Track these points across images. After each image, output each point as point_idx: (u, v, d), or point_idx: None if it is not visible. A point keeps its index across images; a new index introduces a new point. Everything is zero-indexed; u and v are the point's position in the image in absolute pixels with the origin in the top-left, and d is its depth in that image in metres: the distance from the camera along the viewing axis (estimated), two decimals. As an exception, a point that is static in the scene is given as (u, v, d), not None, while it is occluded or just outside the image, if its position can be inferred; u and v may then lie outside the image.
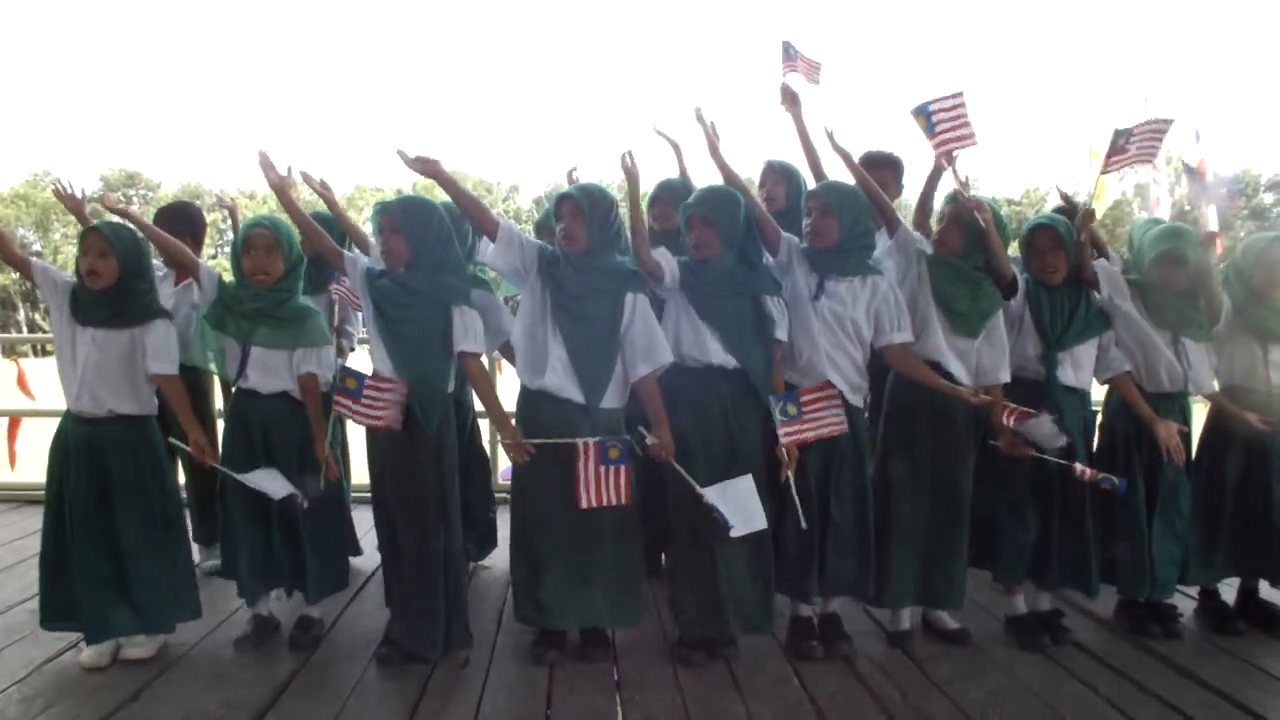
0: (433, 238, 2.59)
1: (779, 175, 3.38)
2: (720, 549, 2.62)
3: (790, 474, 2.59)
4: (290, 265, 2.73)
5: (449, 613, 2.63)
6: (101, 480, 2.61)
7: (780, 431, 2.56)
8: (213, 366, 2.88)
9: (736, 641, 2.74)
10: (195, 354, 3.02)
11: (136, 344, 2.63)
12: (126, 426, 2.64)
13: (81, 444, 2.62)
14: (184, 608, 2.76)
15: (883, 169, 3.36)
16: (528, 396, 2.70)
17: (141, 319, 2.63)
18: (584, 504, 2.53)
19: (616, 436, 2.57)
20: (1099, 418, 3.07)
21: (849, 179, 2.83)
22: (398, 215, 2.58)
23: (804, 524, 2.59)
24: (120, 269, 2.59)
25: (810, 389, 2.62)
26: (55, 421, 2.76)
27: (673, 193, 3.26)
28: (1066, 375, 2.82)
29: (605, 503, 2.54)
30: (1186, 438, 2.95)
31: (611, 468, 2.53)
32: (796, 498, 2.58)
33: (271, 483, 2.64)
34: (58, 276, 2.67)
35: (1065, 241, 2.80)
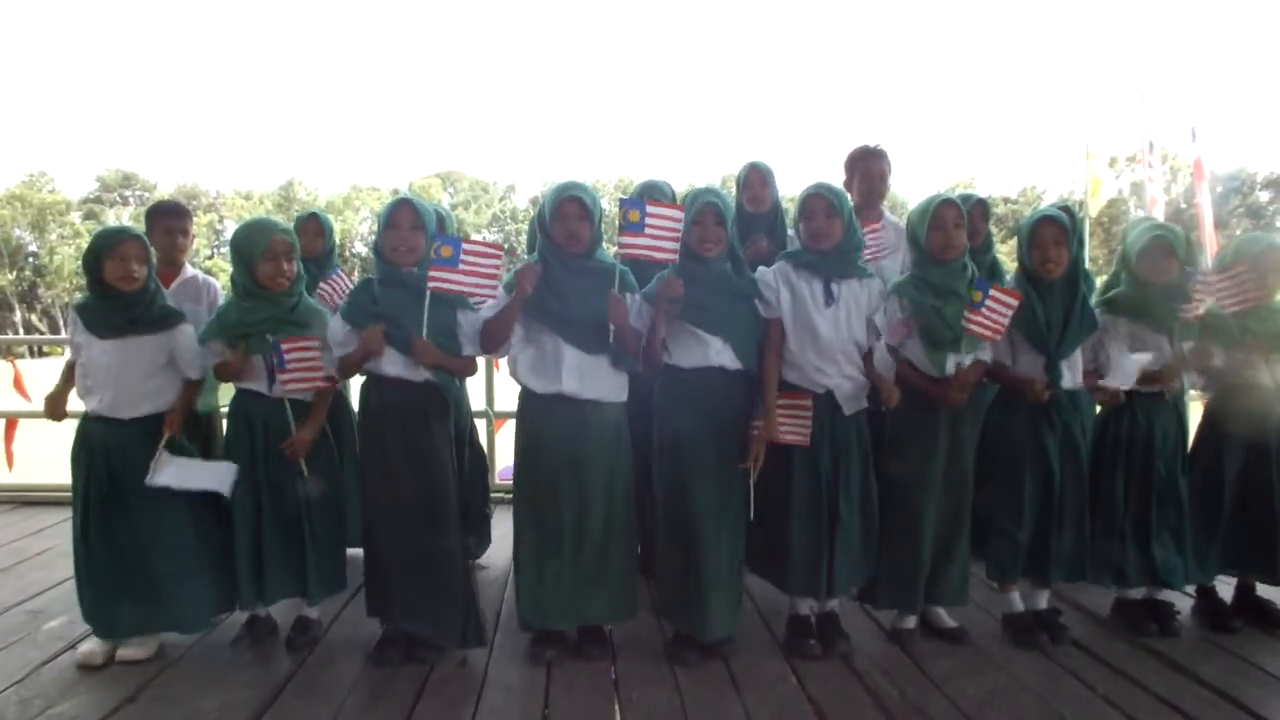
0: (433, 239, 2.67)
1: (764, 177, 3.42)
2: (700, 550, 2.62)
3: (752, 465, 2.59)
4: (298, 269, 2.78)
5: (468, 605, 2.67)
6: (131, 477, 2.63)
7: (753, 424, 2.58)
8: (221, 398, 2.93)
9: (734, 639, 2.74)
10: (207, 401, 3.11)
11: (160, 348, 2.67)
12: (151, 425, 2.67)
13: (112, 442, 2.64)
14: (219, 602, 2.79)
15: (879, 161, 3.38)
16: (539, 400, 2.67)
17: (166, 324, 2.67)
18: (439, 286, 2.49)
19: (443, 239, 2.53)
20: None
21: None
22: (422, 212, 2.65)
23: (751, 515, 2.61)
24: (147, 273, 2.66)
25: (788, 395, 2.62)
26: (52, 423, 2.78)
27: (664, 195, 3.30)
28: (1065, 379, 2.77)
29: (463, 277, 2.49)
30: (1183, 435, 2.96)
31: (454, 263, 2.48)
32: (752, 488, 2.60)
33: (202, 476, 2.66)
34: (72, 328, 2.71)
35: (1069, 236, 2.75)
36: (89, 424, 2.70)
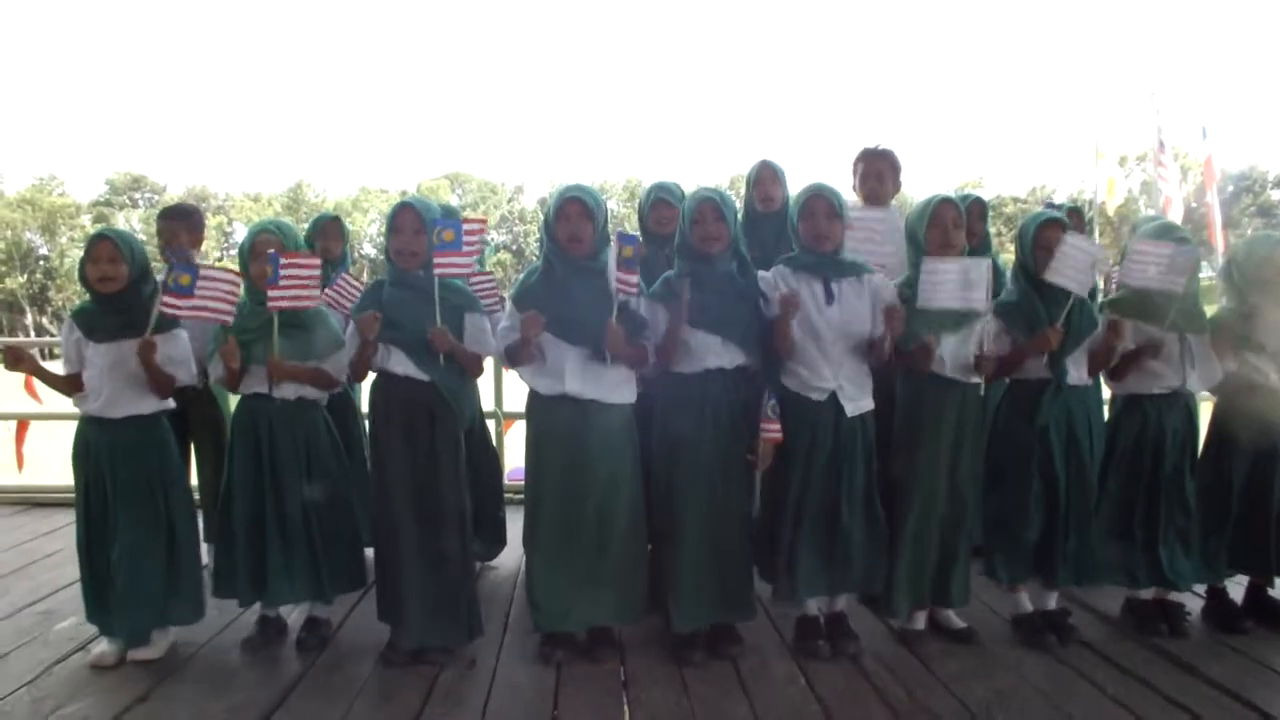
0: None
1: (776, 175, 3.44)
2: (676, 545, 2.67)
3: (761, 465, 2.57)
4: None
5: (470, 605, 2.69)
6: (125, 479, 2.65)
7: (762, 425, 2.56)
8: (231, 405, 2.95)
9: (741, 640, 2.75)
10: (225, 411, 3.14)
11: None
12: (144, 426, 2.69)
13: (103, 445, 2.66)
14: (199, 602, 2.81)
15: (881, 162, 3.37)
16: (544, 402, 2.68)
17: (159, 328, 2.64)
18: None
19: (443, 223, 2.58)
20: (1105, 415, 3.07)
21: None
22: (423, 215, 2.63)
23: (755, 512, 2.59)
24: (130, 274, 2.64)
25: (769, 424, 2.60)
26: (62, 425, 2.80)
27: (675, 197, 3.29)
28: (1070, 376, 2.78)
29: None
30: (1194, 435, 2.95)
31: (456, 245, 2.56)
32: (758, 488, 2.58)
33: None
34: (66, 341, 2.71)
35: None
36: (85, 428, 2.71)
